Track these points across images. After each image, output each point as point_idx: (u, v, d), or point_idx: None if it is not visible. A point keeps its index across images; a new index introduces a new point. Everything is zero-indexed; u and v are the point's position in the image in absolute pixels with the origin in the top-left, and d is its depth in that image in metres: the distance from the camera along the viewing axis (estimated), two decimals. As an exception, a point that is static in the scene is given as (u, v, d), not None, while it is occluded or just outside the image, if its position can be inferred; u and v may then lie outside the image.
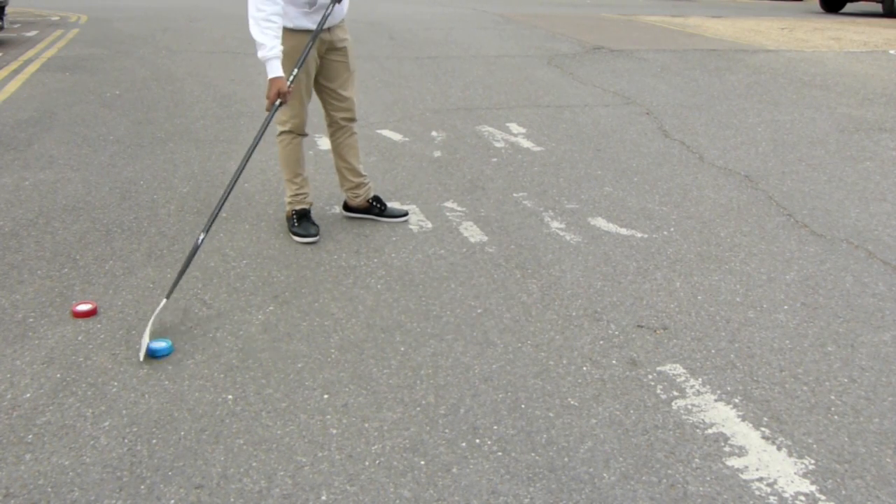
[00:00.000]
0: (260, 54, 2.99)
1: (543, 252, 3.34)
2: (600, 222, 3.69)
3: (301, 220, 3.45)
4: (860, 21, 13.96)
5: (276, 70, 2.99)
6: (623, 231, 3.59)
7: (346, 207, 3.72)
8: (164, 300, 2.68)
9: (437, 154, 4.76)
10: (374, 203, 3.66)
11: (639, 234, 3.55)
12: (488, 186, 4.18)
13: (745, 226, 3.69)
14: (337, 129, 3.51)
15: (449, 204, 3.91)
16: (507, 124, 5.50)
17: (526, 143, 5.03)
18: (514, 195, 4.05)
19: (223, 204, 2.90)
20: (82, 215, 3.64)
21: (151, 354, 2.45)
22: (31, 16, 11.81)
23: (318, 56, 3.29)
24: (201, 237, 2.82)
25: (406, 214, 3.70)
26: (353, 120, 3.52)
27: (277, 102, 3.03)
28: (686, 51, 9.15)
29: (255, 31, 2.99)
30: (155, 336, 2.52)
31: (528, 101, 6.27)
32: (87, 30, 10.13)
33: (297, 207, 3.47)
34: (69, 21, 11.08)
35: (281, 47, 3.00)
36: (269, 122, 3.03)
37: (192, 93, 6.33)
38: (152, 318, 2.57)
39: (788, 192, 4.17)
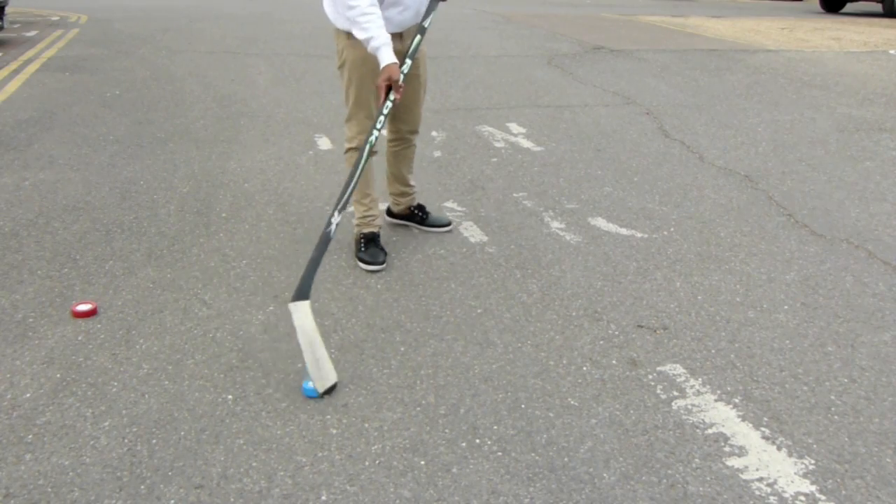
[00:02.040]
0: (368, 47, 2.80)
1: (543, 252, 3.34)
2: (600, 222, 3.69)
3: (369, 246, 3.19)
4: (860, 21, 13.96)
5: (387, 57, 2.76)
6: (623, 231, 3.59)
7: (389, 213, 3.63)
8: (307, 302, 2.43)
9: (437, 154, 4.76)
10: (417, 211, 3.55)
11: (639, 234, 3.55)
12: (488, 186, 4.18)
13: (745, 226, 3.69)
14: (398, 140, 3.40)
15: (449, 204, 3.91)
16: (507, 124, 5.50)
17: (526, 143, 5.03)
18: (514, 195, 4.05)
19: (354, 185, 2.72)
20: (82, 215, 3.64)
21: (308, 395, 2.27)
22: (31, 16, 11.81)
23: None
24: (334, 222, 2.61)
25: (449, 224, 3.55)
26: (416, 133, 3.41)
27: (392, 97, 2.78)
28: (686, 51, 9.15)
29: (358, 32, 2.80)
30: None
31: (528, 101, 6.27)
32: (87, 30, 10.13)
33: (366, 230, 3.22)
34: (69, 21, 11.08)
35: (389, 35, 2.79)
36: (382, 115, 2.79)
37: (192, 93, 6.33)
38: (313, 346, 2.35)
39: (788, 192, 4.17)
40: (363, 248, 3.19)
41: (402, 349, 2.54)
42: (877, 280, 3.14)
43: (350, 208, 3.42)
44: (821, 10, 16.51)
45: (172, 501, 1.84)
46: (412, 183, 3.54)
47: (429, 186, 4.16)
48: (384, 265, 3.16)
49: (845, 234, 3.60)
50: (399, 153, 3.44)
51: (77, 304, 2.73)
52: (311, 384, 2.26)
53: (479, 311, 2.81)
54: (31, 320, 2.68)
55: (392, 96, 2.79)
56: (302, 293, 2.46)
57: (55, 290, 2.90)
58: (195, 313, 2.74)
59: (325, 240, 2.60)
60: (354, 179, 2.74)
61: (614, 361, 2.49)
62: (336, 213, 2.66)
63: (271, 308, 2.80)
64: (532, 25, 11.58)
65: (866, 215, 3.85)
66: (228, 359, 2.46)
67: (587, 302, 2.89)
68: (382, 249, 3.22)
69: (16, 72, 7.04)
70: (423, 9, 3.00)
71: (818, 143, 5.17)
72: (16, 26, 10.42)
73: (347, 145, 3.21)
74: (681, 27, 11.98)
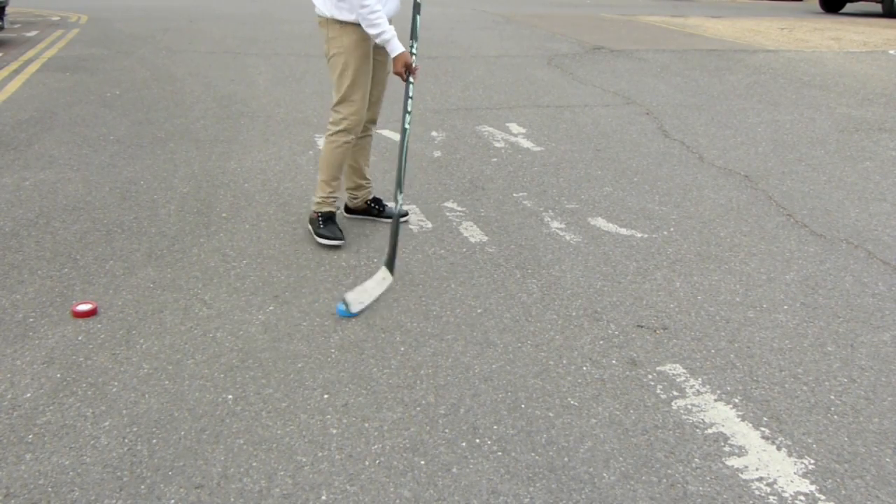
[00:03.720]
0: (379, 40, 3.09)
1: (543, 252, 3.34)
2: (600, 222, 3.69)
3: (327, 223, 3.39)
4: (860, 21, 13.96)
5: (398, 46, 3.08)
6: (623, 231, 3.59)
7: (346, 209, 3.72)
8: (390, 276, 2.93)
9: (437, 154, 4.76)
10: (373, 205, 3.67)
11: (639, 234, 3.55)
12: (488, 186, 4.18)
13: (745, 226, 3.69)
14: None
15: (449, 204, 3.91)
16: (507, 124, 5.50)
17: (526, 143, 5.03)
18: (514, 195, 4.05)
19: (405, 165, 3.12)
20: (82, 215, 3.65)
21: (342, 314, 2.72)
22: (32, 16, 11.81)
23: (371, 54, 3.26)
24: (400, 199, 3.03)
25: (406, 215, 3.69)
26: (374, 122, 3.53)
27: (410, 78, 3.11)
28: (686, 51, 9.15)
29: (369, 28, 3.06)
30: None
31: (528, 101, 6.27)
32: (87, 30, 10.13)
33: (325, 209, 3.39)
34: (69, 21, 11.08)
35: (392, 26, 3.09)
36: (409, 95, 3.14)
37: (192, 93, 6.33)
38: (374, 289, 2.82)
39: (788, 192, 4.17)
40: (322, 226, 3.38)
41: (402, 349, 2.54)
42: (876, 280, 3.14)
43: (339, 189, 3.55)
44: (820, 10, 16.52)
45: (172, 501, 1.84)
46: (368, 176, 3.65)
47: (429, 186, 4.16)
48: (343, 241, 3.36)
49: (845, 234, 3.60)
50: (359, 143, 3.53)
51: (77, 304, 2.73)
52: (343, 306, 2.72)
53: (479, 311, 2.81)
54: (31, 320, 2.68)
55: (412, 79, 3.13)
56: (390, 266, 2.96)
57: (55, 290, 2.90)
58: (195, 313, 2.75)
59: (399, 216, 3.05)
60: (404, 158, 3.12)
61: (614, 361, 2.49)
62: (400, 193, 3.06)
63: (271, 308, 2.80)
64: (532, 25, 11.59)
65: (866, 215, 3.85)
66: (228, 359, 2.46)
67: (587, 302, 2.90)
68: (339, 227, 3.42)
69: (16, 72, 7.04)
70: None
71: (818, 143, 5.18)
72: (16, 26, 10.42)
73: (335, 128, 3.31)
74: (681, 27, 11.98)
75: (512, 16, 13.04)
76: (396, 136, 5.12)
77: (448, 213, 3.77)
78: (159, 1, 14.24)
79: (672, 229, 3.63)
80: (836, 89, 7.01)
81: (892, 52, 9.50)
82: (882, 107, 6.34)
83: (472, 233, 3.54)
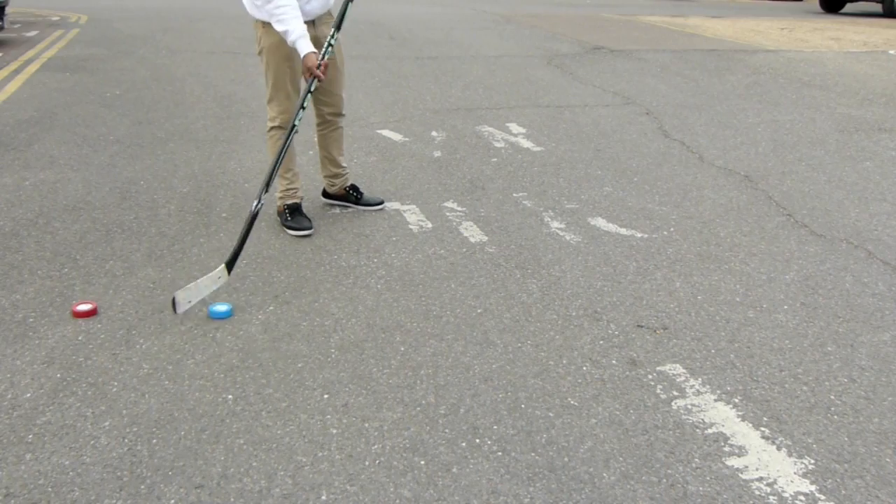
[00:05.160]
0: (288, 41, 3.10)
1: (543, 252, 3.34)
2: (600, 222, 3.69)
3: (293, 214, 3.51)
4: (860, 21, 13.96)
5: (305, 47, 3.07)
6: (623, 231, 3.59)
7: (325, 194, 3.86)
8: (226, 275, 2.86)
9: (437, 154, 4.76)
10: (351, 191, 3.80)
11: (639, 234, 3.55)
12: (488, 186, 4.18)
13: (745, 226, 3.69)
14: (323, 122, 3.64)
15: (449, 204, 3.91)
16: (507, 124, 5.50)
17: (526, 143, 5.03)
18: (514, 195, 4.05)
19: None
20: (82, 215, 3.65)
21: (214, 316, 2.69)
22: (32, 16, 11.81)
23: None
24: (263, 199, 2.98)
25: (382, 203, 3.82)
26: (339, 115, 3.63)
27: (313, 79, 3.11)
28: (686, 51, 9.15)
29: (276, 25, 3.10)
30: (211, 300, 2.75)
31: (528, 101, 6.27)
32: (87, 30, 10.13)
33: (289, 202, 3.53)
34: (69, 21, 11.08)
35: (304, 26, 3.09)
36: (305, 97, 3.14)
37: (192, 93, 6.33)
38: (206, 285, 2.76)
39: (788, 192, 4.17)
40: (289, 218, 3.49)
41: (402, 349, 2.54)
42: (876, 280, 3.14)
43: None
44: (820, 10, 16.52)
45: (172, 501, 1.84)
46: (343, 164, 3.77)
47: (429, 186, 4.16)
48: (312, 230, 3.46)
49: (845, 234, 3.60)
50: (327, 136, 3.68)
51: (77, 304, 2.73)
52: (217, 308, 2.72)
53: (479, 311, 2.81)
54: (31, 320, 2.68)
55: (313, 79, 3.12)
56: (230, 265, 2.87)
57: (55, 290, 2.90)
58: (195, 313, 2.75)
59: (252, 217, 2.95)
60: (280, 157, 3.12)
61: (614, 361, 2.49)
62: (265, 191, 3.00)
63: (271, 308, 2.80)
64: (532, 25, 11.59)
65: (866, 215, 3.85)
66: (228, 359, 2.46)
67: (587, 302, 2.89)
68: (306, 217, 3.52)
69: (16, 72, 7.04)
70: None
71: (818, 143, 5.18)
72: (16, 26, 10.42)
73: (270, 125, 3.46)
74: (681, 27, 11.98)
75: (512, 16, 13.04)
76: (396, 136, 5.13)
77: (448, 213, 3.77)
78: (159, 1, 14.24)
79: (672, 229, 3.63)
80: (836, 89, 7.01)
81: (892, 52, 9.50)
82: (882, 107, 6.34)
83: (472, 233, 3.54)
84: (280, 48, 3.24)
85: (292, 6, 3.05)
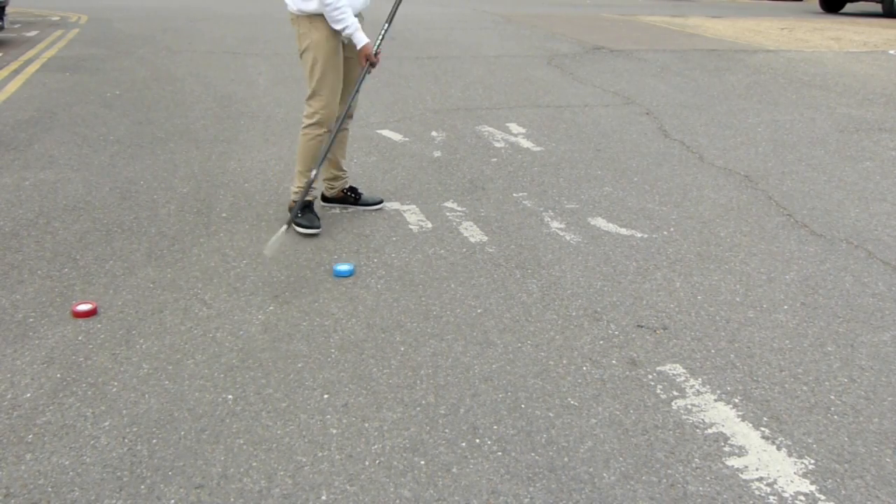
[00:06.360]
0: (345, 34, 3.27)
1: (543, 252, 3.34)
2: (600, 222, 3.69)
3: (305, 211, 3.49)
4: (860, 21, 13.96)
5: (362, 38, 3.29)
6: (623, 231, 3.59)
7: (323, 198, 3.85)
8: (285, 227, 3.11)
9: (437, 154, 4.76)
10: (350, 193, 3.80)
11: (639, 234, 3.55)
12: (488, 186, 4.18)
13: (745, 226, 3.69)
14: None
15: (449, 204, 3.91)
16: (507, 124, 5.50)
17: (526, 143, 5.03)
18: (514, 195, 4.05)
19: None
20: (82, 215, 3.65)
21: (337, 275, 2.96)
22: (32, 16, 11.81)
23: (343, 52, 3.41)
24: (317, 188, 3.50)
25: (381, 202, 3.82)
26: (351, 117, 3.65)
27: (367, 65, 3.33)
28: (686, 51, 9.15)
29: (335, 24, 3.23)
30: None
31: (528, 101, 6.27)
32: (87, 30, 10.13)
33: (304, 199, 3.48)
34: (69, 21, 11.08)
35: (356, 20, 3.26)
36: (361, 83, 3.40)
37: (192, 93, 6.33)
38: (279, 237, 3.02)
39: (788, 192, 4.17)
40: (300, 214, 3.48)
41: (402, 349, 2.54)
42: (876, 280, 3.14)
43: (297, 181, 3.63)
44: (820, 10, 16.52)
45: (172, 501, 1.84)
46: (344, 168, 3.82)
47: (429, 186, 4.16)
48: (321, 229, 3.48)
49: (845, 234, 3.60)
50: (336, 137, 3.63)
51: (77, 304, 2.73)
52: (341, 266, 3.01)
53: (479, 311, 2.81)
54: (31, 320, 2.68)
55: (370, 70, 3.34)
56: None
57: (55, 290, 2.90)
58: (195, 313, 2.75)
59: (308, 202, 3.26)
60: (324, 154, 3.34)
61: (614, 361, 2.49)
62: (317, 180, 3.28)
63: (271, 308, 2.80)
64: (532, 25, 11.59)
65: (866, 215, 3.85)
66: (228, 359, 2.46)
67: (587, 302, 2.89)
68: (317, 216, 3.53)
69: (16, 72, 7.04)
70: None
71: (818, 143, 5.18)
72: (16, 26, 10.42)
73: (308, 121, 3.47)
74: (681, 27, 11.98)
75: (512, 16, 13.04)
76: (396, 137, 5.13)
77: (448, 213, 3.77)
78: (159, 1, 14.24)
79: (672, 229, 3.63)
80: (836, 89, 7.01)
81: (892, 52, 9.50)
82: (882, 107, 6.34)
83: (472, 233, 3.54)
84: (329, 41, 3.29)
85: (347, 4, 3.20)
